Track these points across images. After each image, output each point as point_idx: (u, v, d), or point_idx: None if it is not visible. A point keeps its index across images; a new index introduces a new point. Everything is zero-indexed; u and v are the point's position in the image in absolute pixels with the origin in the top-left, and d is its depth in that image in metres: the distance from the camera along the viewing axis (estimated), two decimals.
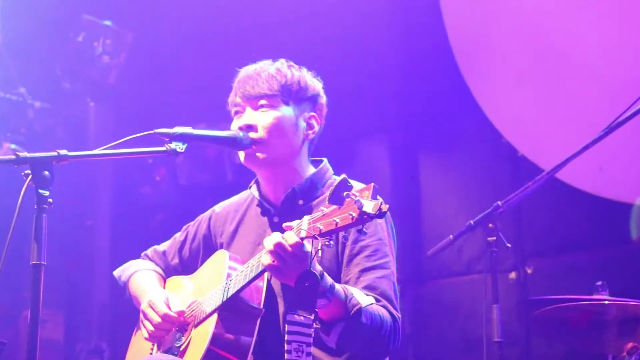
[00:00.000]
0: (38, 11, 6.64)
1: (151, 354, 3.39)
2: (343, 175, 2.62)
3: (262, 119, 3.22)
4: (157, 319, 3.22)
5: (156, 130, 2.99)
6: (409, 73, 6.51)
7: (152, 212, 7.40)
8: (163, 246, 3.67)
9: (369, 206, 2.52)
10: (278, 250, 2.75)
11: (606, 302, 3.64)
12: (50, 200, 2.69)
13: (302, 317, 2.70)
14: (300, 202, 3.26)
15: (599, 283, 3.82)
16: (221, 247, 3.44)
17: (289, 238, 2.74)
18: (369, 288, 3.06)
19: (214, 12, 6.67)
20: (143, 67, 7.08)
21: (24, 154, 2.72)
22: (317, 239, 2.69)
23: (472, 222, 3.55)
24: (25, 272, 2.66)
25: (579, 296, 3.72)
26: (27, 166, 2.71)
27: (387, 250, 3.16)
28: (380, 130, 6.68)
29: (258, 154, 3.23)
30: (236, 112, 3.30)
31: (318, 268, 2.81)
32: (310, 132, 3.30)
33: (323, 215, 2.66)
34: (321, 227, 2.65)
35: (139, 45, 7.02)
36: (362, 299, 2.93)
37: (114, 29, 6.91)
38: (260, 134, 3.21)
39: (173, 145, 2.98)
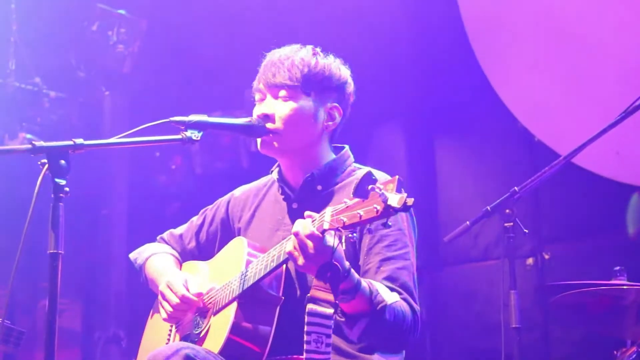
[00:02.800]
0: (52, 1, 6.65)
1: (169, 339, 3.40)
2: (367, 169, 2.58)
3: (280, 109, 3.21)
4: (176, 300, 3.22)
5: (172, 119, 2.98)
6: (424, 58, 6.48)
7: (168, 200, 7.41)
8: (179, 230, 3.67)
9: (394, 200, 2.47)
10: (299, 242, 2.74)
11: (624, 287, 3.60)
12: (67, 189, 2.68)
13: (322, 309, 2.67)
14: (319, 187, 3.24)
15: (617, 268, 3.80)
16: (239, 232, 3.44)
17: (310, 233, 2.71)
18: (389, 279, 3.04)
19: None
20: (157, 56, 7.08)
21: (41, 143, 2.72)
22: (340, 231, 2.65)
23: (489, 207, 3.51)
24: (42, 262, 2.66)
25: (597, 281, 3.69)
26: (44, 155, 2.70)
27: (407, 241, 3.14)
28: (396, 116, 6.66)
29: (274, 143, 3.22)
30: (258, 98, 3.30)
31: (346, 264, 2.79)
32: (330, 123, 3.28)
33: (346, 207, 2.61)
34: (344, 219, 2.60)
35: (153, 34, 7.02)
36: (388, 295, 2.92)
37: (128, 17, 6.91)
38: (277, 124, 3.20)
39: (189, 133, 2.97)
